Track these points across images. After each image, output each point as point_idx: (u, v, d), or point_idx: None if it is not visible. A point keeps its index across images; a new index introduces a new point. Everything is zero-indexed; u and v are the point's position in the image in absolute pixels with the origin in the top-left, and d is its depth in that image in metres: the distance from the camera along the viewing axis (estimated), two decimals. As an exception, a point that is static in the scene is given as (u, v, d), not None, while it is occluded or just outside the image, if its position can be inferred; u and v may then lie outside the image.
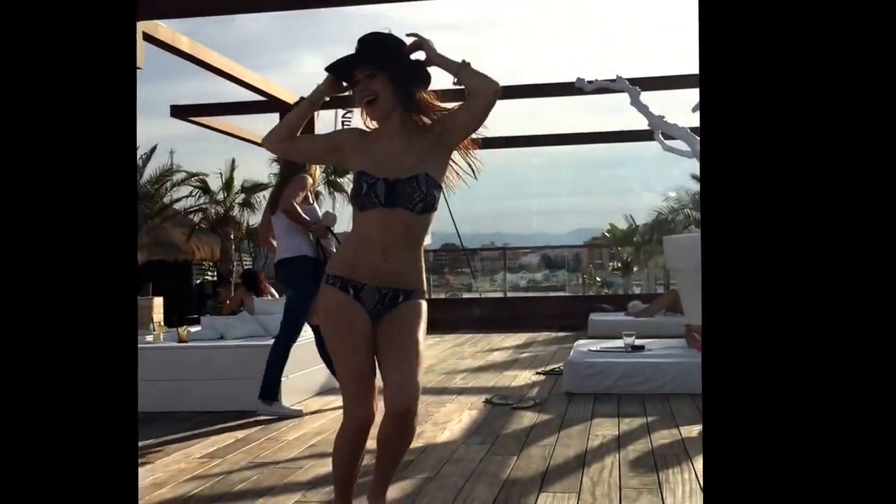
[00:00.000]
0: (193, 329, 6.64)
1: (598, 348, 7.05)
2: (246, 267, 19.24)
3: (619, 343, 7.09)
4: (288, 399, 5.84)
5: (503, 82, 2.76)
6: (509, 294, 17.77)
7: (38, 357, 1.10)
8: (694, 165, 8.89)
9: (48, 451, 1.12)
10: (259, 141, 12.94)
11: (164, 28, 6.34)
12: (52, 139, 1.12)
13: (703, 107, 1.16)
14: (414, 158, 2.78)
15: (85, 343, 1.12)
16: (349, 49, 2.83)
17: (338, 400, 5.55)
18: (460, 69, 2.72)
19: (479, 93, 2.72)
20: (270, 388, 5.52)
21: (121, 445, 1.15)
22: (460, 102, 2.81)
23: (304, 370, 6.20)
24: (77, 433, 1.12)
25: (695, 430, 4.73)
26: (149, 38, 6.17)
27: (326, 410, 5.75)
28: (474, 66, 2.75)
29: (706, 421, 1.15)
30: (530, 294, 19.44)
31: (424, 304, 2.89)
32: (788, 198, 1.12)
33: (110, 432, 1.12)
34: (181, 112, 9.46)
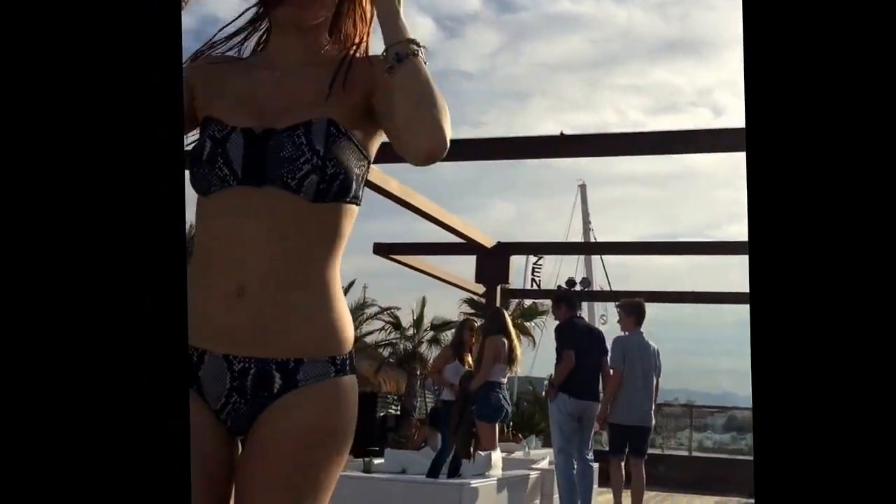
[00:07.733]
0: (377, 461, 6.73)
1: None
2: (430, 404, 19.45)
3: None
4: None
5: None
6: (695, 453, 16.80)
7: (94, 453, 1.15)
8: None
9: None
10: (453, 280, 13.08)
11: (376, 171, 6.74)
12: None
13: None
14: (309, 96, 1.43)
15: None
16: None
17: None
18: (401, 63, 1.35)
19: (412, 132, 1.36)
20: None
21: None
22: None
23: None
24: None
25: None
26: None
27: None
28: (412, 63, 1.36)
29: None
30: (719, 455, 18.35)
31: (338, 401, 1.40)
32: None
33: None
34: (383, 249, 9.90)
